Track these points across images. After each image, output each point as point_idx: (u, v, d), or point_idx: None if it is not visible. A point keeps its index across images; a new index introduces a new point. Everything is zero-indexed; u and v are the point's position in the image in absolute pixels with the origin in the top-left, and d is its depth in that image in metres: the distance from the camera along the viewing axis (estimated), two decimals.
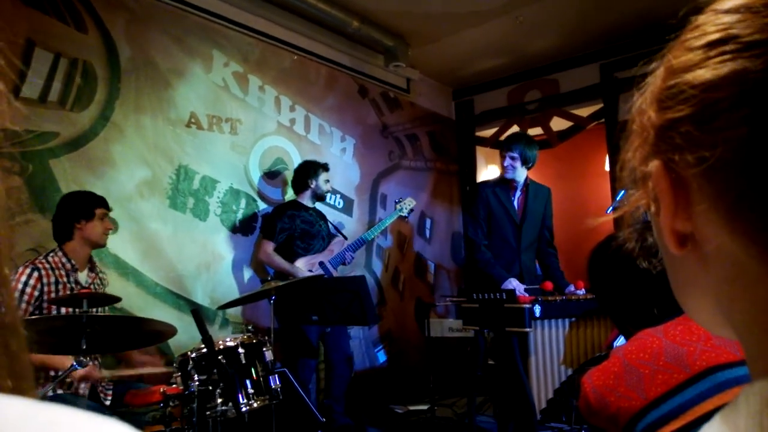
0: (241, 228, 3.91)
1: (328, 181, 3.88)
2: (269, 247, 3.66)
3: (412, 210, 4.46)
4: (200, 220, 3.65)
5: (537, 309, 2.97)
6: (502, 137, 5.46)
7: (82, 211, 2.57)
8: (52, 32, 2.99)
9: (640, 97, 0.40)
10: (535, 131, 5.51)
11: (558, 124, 5.55)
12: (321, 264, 3.77)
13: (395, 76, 5.28)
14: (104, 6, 3.25)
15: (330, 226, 4.00)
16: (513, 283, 3.64)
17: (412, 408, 4.53)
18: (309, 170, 3.84)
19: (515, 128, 5.59)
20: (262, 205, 4.05)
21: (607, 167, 5.31)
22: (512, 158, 3.75)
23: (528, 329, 2.91)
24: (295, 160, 4.27)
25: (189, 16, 3.68)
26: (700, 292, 0.39)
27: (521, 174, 3.82)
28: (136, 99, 3.38)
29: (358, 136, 4.94)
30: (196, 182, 3.65)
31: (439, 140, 5.88)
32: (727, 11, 0.33)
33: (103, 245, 2.71)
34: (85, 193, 2.69)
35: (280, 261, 3.65)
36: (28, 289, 2.38)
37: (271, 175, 4.16)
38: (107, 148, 3.22)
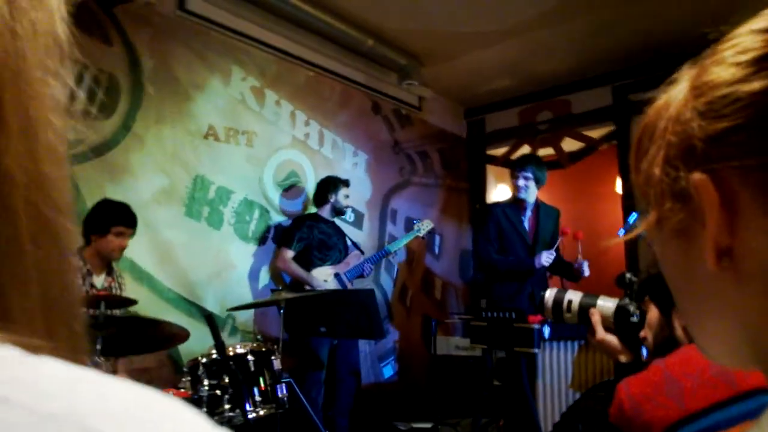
0: (254, 238, 3.97)
1: (347, 196, 3.98)
2: (287, 254, 3.75)
3: (430, 232, 4.52)
4: (214, 229, 3.72)
5: (546, 330, 2.96)
6: (513, 156, 5.52)
7: (98, 226, 2.61)
8: (79, 44, 3.08)
9: (660, 113, 0.41)
10: (545, 151, 5.55)
11: (569, 145, 5.59)
12: (336, 276, 3.83)
13: (408, 93, 5.35)
14: (129, 20, 3.35)
15: (348, 240, 4.08)
16: (542, 256, 3.70)
17: (415, 426, 4.52)
18: (329, 185, 3.95)
19: (526, 148, 5.64)
20: (274, 217, 4.12)
21: (618, 189, 5.33)
22: (526, 178, 3.80)
23: (536, 350, 2.89)
24: (309, 174, 4.35)
25: (210, 32, 3.78)
26: (727, 312, 0.38)
27: (533, 194, 3.87)
28: (157, 110, 3.47)
29: (371, 152, 5.01)
30: (211, 192, 3.72)
31: (449, 158, 5.94)
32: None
33: (115, 260, 2.73)
34: (110, 207, 2.68)
35: (297, 269, 3.73)
36: None
37: (285, 188, 4.23)
38: (128, 157, 3.30)
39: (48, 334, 0.28)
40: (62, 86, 0.30)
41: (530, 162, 3.88)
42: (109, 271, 2.73)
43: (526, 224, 3.97)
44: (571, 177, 5.89)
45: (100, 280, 2.67)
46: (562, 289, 1.74)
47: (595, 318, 1.59)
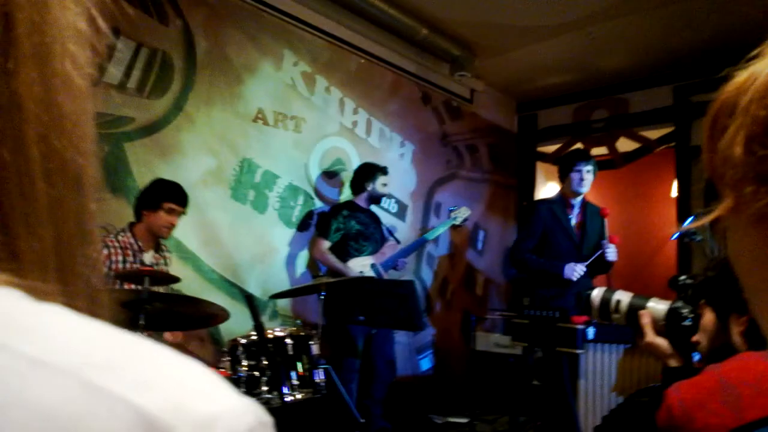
0: (297, 224, 3.98)
1: (385, 184, 3.92)
2: (323, 245, 3.72)
3: (466, 219, 4.44)
4: (259, 212, 3.74)
5: (591, 331, 2.89)
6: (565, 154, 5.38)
7: (150, 201, 2.66)
8: (136, 22, 3.14)
9: (742, 88, 0.37)
10: (599, 150, 5.39)
11: (624, 144, 5.41)
12: (372, 266, 3.80)
13: (459, 85, 5.27)
14: (186, 1, 3.39)
15: (384, 229, 4.03)
16: (575, 268, 3.62)
17: (451, 420, 4.48)
18: (367, 173, 3.89)
19: (579, 146, 5.48)
20: (318, 204, 4.12)
21: (674, 193, 5.12)
22: (588, 172, 3.71)
23: (580, 351, 2.83)
24: (354, 162, 4.33)
25: (265, 15, 3.79)
26: None
27: (587, 190, 3.78)
28: (208, 91, 3.50)
29: (418, 143, 4.95)
30: (258, 176, 3.74)
31: (498, 153, 5.83)
32: None
33: (164, 238, 2.77)
34: (164, 184, 2.73)
35: (332, 259, 3.70)
36: None
37: (330, 175, 4.23)
38: (178, 137, 3.35)
39: (61, 281, 0.26)
40: (83, 16, 0.27)
41: (591, 156, 3.79)
42: (157, 248, 2.78)
43: (573, 222, 3.86)
44: (623, 178, 5.71)
45: (148, 257, 2.72)
46: (611, 289, 1.69)
47: (645, 320, 1.54)
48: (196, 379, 0.23)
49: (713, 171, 0.39)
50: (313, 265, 4.00)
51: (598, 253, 3.66)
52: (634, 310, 1.59)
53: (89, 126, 0.28)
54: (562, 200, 3.88)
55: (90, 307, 0.27)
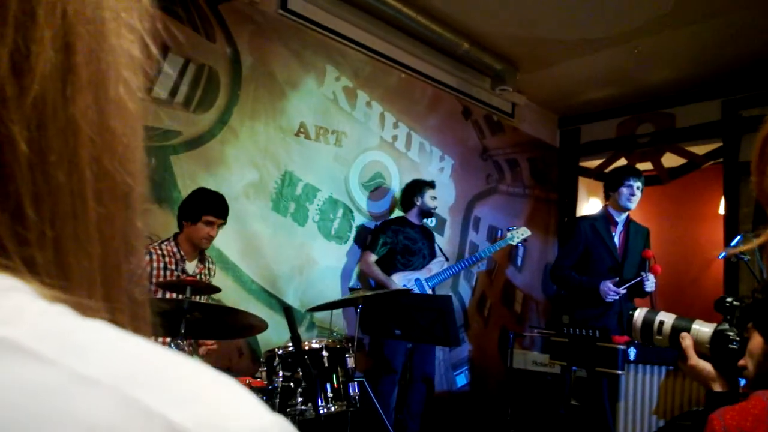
0: (336, 237, 4.02)
1: (434, 198, 3.97)
2: (370, 257, 3.81)
3: (525, 240, 4.38)
4: (299, 225, 3.80)
5: (632, 352, 2.82)
6: (608, 169, 5.28)
7: (190, 214, 2.70)
8: (185, 39, 3.25)
9: None
10: (644, 166, 5.26)
11: (670, 160, 5.27)
12: (416, 281, 3.83)
13: (500, 99, 5.24)
14: (233, 18, 3.49)
15: (436, 246, 4.07)
16: (610, 288, 3.56)
17: None
18: (415, 187, 3.98)
19: (623, 161, 5.37)
20: (357, 217, 4.15)
21: (721, 210, 4.96)
22: (638, 188, 3.65)
23: (620, 372, 2.77)
24: (394, 176, 4.36)
25: (308, 31, 3.87)
26: None
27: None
28: (252, 106, 3.59)
29: (457, 157, 4.95)
30: (298, 189, 3.81)
31: (540, 167, 5.76)
32: None
33: (204, 248, 2.81)
34: (204, 196, 2.74)
35: (377, 272, 3.78)
36: None
37: (369, 188, 4.26)
38: (222, 150, 3.44)
39: (106, 297, 0.27)
40: (138, 43, 0.29)
41: (641, 173, 3.72)
42: (201, 259, 2.84)
43: (617, 240, 3.78)
44: (669, 194, 5.56)
45: (191, 266, 2.78)
46: (653, 310, 1.64)
47: (686, 342, 1.49)
48: (230, 397, 0.24)
49: (762, 193, 0.39)
50: (363, 277, 4.05)
51: (636, 280, 3.57)
52: (677, 332, 1.54)
53: (139, 147, 0.30)
54: (605, 217, 3.81)
55: (132, 323, 0.29)
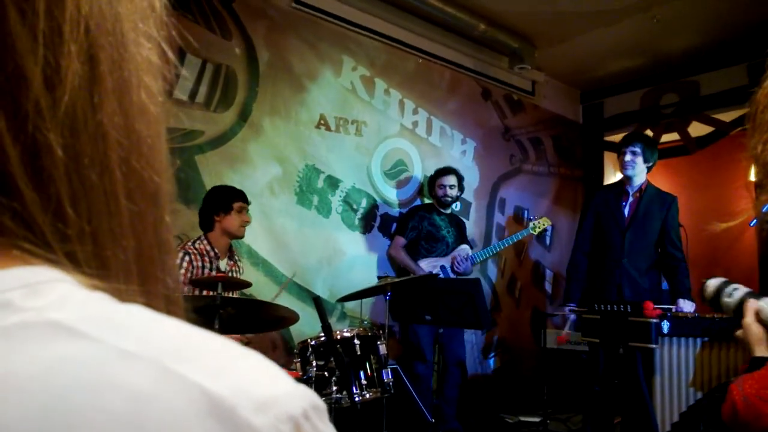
0: (360, 226, 4.04)
1: (453, 186, 3.94)
2: (400, 241, 3.89)
3: (545, 231, 4.35)
4: (323, 217, 3.83)
5: (665, 325, 2.78)
6: None
7: (222, 205, 2.77)
8: (201, 40, 3.29)
9: None
10: (670, 137, 5.17)
11: (697, 129, 5.16)
12: (442, 268, 3.84)
13: (520, 78, 5.18)
14: (247, 15, 3.52)
15: (465, 233, 4.10)
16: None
17: (523, 419, 4.42)
18: (432, 178, 4.03)
19: (648, 133, 5.27)
20: (381, 206, 4.17)
21: (752, 177, 4.83)
22: (633, 153, 3.51)
23: (654, 346, 2.73)
24: (416, 162, 4.35)
25: (322, 22, 3.87)
26: None
27: (641, 173, 3.57)
28: (271, 101, 3.62)
29: (479, 139, 4.92)
30: (321, 181, 3.83)
31: (564, 144, 5.69)
32: None
33: (241, 237, 2.88)
34: (225, 188, 2.87)
35: (404, 257, 3.84)
36: (182, 271, 2.63)
37: (391, 177, 4.27)
38: (245, 147, 3.48)
39: (142, 285, 0.30)
40: (156, 49, 0.32)
41: (638, 138, 3.61)
42: (231, 256, 2.89)
43: (626, 210, 3.65)
44: (698, 164, 5.44)
45: (223, 264, 2.84)
46: (729, 280, 1.64)
47: (751, 305, 1.48)
48: (258, 368, 0.26)
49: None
50: (394, 263, 4.06)
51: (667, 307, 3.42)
52: (748, 297, 1.55)
53: (163, 147, 0.32)
54: (619, 187, 3.73)
55: (167, 307, 0.32)
